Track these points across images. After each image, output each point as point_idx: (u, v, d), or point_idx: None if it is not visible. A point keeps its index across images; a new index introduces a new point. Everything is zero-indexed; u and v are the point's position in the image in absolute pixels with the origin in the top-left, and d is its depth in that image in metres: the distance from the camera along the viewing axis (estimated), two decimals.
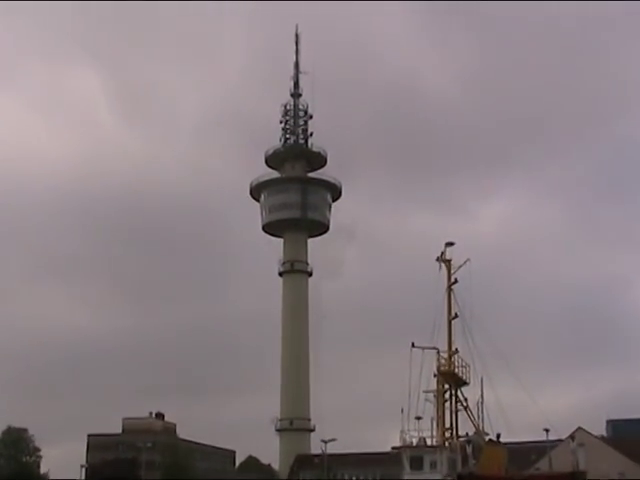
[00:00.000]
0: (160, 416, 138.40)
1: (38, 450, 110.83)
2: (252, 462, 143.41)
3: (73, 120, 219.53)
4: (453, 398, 48.35)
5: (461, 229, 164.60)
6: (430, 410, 46.99)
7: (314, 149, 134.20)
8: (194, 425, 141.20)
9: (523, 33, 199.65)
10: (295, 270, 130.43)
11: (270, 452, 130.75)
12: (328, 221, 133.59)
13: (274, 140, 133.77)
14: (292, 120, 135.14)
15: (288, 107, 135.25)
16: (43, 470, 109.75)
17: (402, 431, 46.08)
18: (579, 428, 73.16)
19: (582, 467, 45.92)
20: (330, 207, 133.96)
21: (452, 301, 48.65)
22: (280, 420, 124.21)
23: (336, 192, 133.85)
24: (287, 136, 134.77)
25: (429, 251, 52.32)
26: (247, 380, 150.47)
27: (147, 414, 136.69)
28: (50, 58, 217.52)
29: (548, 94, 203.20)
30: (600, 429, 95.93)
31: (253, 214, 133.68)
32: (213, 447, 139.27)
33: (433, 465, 45.00)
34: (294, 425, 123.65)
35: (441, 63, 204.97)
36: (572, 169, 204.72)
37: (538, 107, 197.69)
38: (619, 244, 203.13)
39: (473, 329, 47.29)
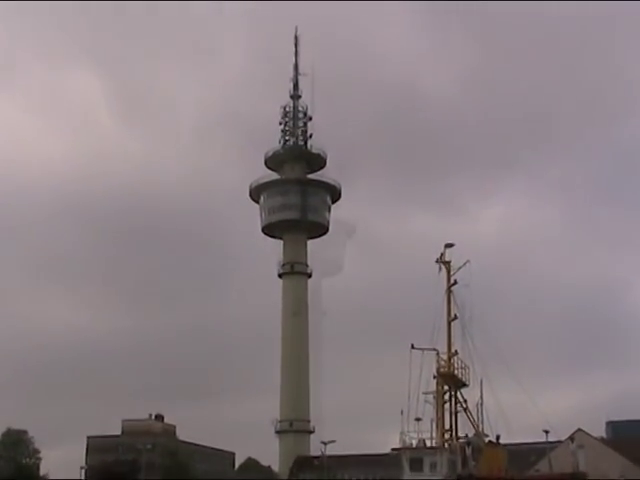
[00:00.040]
0: (160, 418, 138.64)
1: (38, 452, 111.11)
2: (252, 464, 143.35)
3: (73, 120, 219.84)
4: (453, 400, 48.34)
5: (461, 230, 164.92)
6: (430, 412, 47.00)
7: (314, 151, 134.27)
8: (194, 427, 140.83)
9: (523, 33, 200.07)
10: (295, 272, 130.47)
11: (270, 454, 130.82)
12: (328, 223, 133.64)
13: (274, 142, 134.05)
14: (291, 122, 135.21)
15: (287, 109, 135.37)
16: (43, 472, 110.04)
17: (402, 433, 46.07)
18: (579, 429, 73.21)
19: (582, 468, 45.90)
20: (330, 209, 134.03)
21: (452, 302, 48.67)
22: (280, 422, 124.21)
23: (336, 194, 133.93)
24: (287, 138, 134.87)
25: (429, 252, 52.36)
26: (247, 382, 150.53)
27: (147, 416, 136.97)
28: (50, 58, 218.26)
29: (548, 94, 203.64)
30: (600, 430, 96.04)
31: (253, 215, 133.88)
32: (213, 449, 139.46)
33: (433, 467, 44.98)
34: (294, 427, 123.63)
35: (441, 64, 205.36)
36: (572, 170, 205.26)
37: (538, 108, 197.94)
38: (619, 246, 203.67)
39: (473, 330, 47.34)
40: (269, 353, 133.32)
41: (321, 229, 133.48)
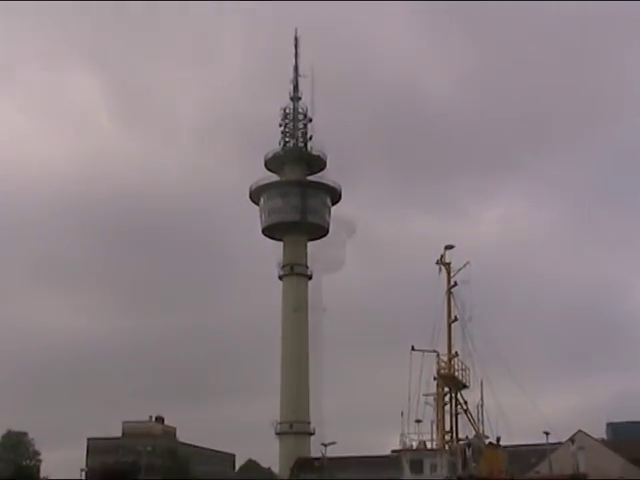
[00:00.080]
0: (160, 419, 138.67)
1: (38, 454, 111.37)
2: (252, 465, 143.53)
3: (73, 121, 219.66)
4: (453, 401, 48.41)
5: (461, 231, 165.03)
6: (430, 413, 47.10)
7: (314, 152, 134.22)
8: (194, 428, 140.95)
9: (523, 33, 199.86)
10: (295, 273, 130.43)
11: (270, 455, 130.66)
12: (328, 224, 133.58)
13: (274, 143, 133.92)
14: (292, 123, 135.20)
15: (287, 110, 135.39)
16: (43, 474, 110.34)
17: (402, 434, 46.19)
18: (579, 431, 73.02)
19: (582, 470, 45.98)
20: (330, 210, 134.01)
21: (452, 304, 48.75)
22: (280, 423, 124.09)
23: (336, 195, 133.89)
24: (287, 139, 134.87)
25: (429, 254, 52.48)
26: (247, 383, 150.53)
27: (147, 418, 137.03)
28: (50, 59, 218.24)
29: (548, 95, 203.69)
30: (600, 432, 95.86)
31: (253, 216, 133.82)
32: (213, 450, 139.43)
33: (433, 468, 45.09)
34: (294, 428, 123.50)
35: (441, 64, 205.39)
36: (572, 171, 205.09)
37: (538, 108, 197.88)
38: (619, 247, 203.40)
39: (473, 332, 47.42)
40: (269, 354, 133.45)
41: (321, 231, 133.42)
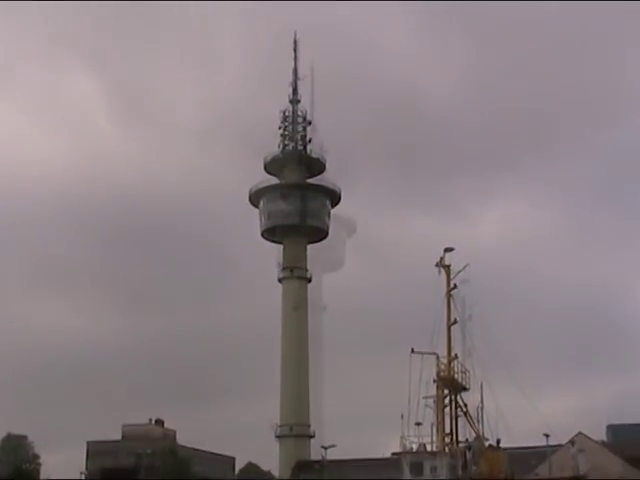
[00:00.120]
0: (160, 422, 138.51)
1: (38, 457, 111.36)
2: (252, 468, 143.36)
3: (72, 121, 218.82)
4: (453, 404, 48.44)
5: (461, 233, 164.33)
6: (430, 416, 47.13)
7: (313, 155, 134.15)
8: (193, 431, 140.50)
9: (523, 33, 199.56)
10: (294, 276, 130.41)
11: (270, 458, 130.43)
12: (327, 227, 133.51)
13: (273, 145, 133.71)
14: (291, 126, 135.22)
15: (287, 113, 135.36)
16: (43, 477, 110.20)
17: (402, 437, 46.23)
18: (579, 433, 72.98)
19: (582, 472, 45.98)
20: (329, 213, 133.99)
21: (451, 306, 48.77)
22: (280, 426, 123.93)
23: (335, 198, 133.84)
24: (286, 142, 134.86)
25: (429, 254, 52.50)
26: (247, 386, 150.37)
27: (147, 420, 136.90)
28: (49, 59, 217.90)
29: (548, 95, 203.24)
30: (600, 434, 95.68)
31: (252, 218, 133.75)
32: (213, 453, 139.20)
33: (433, 471, 45.12)
34: (294, 431, 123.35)
35: (441, 65, 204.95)
36: (572, 171, 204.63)
37: (538, 108, 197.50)
38: (620, 247, 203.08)
39: (473, 334, 47.43)
40: (269, 357, 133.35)
41: (321, 234, 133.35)
